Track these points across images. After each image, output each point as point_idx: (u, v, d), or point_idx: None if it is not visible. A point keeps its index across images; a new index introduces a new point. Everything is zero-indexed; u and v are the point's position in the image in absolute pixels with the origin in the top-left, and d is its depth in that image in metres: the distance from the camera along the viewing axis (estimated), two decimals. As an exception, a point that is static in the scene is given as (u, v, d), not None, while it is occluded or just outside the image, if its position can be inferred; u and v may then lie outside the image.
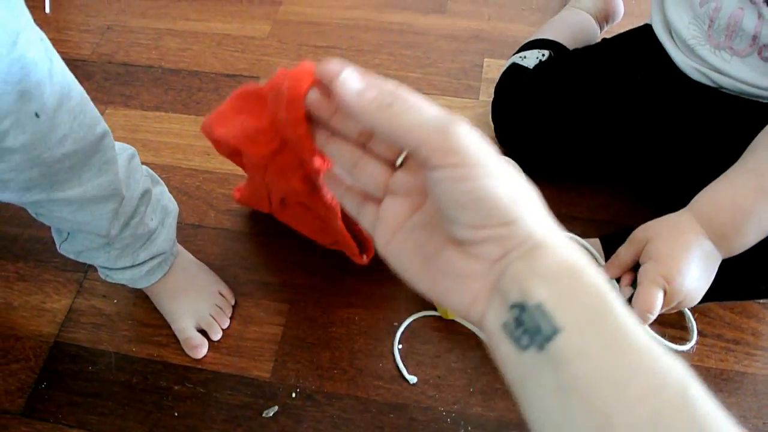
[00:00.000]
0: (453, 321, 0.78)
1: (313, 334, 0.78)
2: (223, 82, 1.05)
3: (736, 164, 0.63)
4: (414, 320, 0.79)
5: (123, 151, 0.67)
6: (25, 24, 0.49)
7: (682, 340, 0.77)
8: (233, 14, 1.15)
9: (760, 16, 0.69)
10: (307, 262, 0.84)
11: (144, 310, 0.80)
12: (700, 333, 0.77)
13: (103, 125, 0.59)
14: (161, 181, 0.76)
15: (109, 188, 0.61)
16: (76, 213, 0.60)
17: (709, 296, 0.65)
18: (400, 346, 0.77)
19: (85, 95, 0.57)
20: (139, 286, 0.76)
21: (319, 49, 1.08)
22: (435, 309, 0.78)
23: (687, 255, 0.60)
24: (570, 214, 0.86)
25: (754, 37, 0.70)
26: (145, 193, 0.68)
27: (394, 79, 1.01)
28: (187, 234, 0.87)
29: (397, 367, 0.75)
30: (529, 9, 1.13)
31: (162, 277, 0.75)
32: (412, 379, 0.74)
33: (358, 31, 1.10)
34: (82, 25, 1.16)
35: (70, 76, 0.55)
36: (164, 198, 0.74)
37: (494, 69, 1.02)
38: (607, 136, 0.82)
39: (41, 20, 1.17)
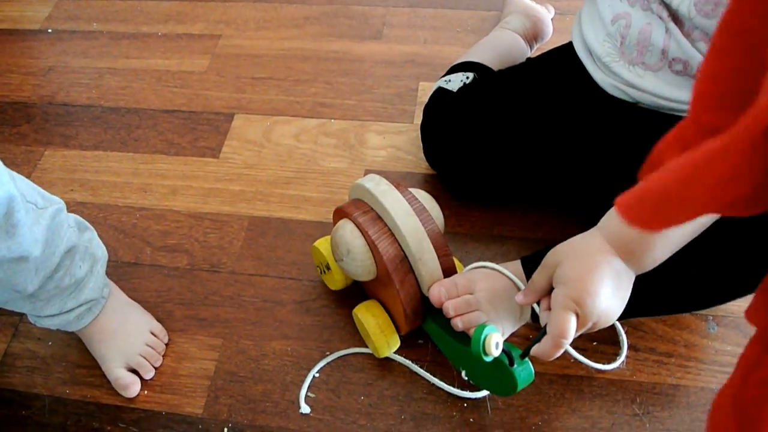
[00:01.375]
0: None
1: (245, 368, 0.78)
2: (161, 118, 1.06)
3: None
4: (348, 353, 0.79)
5: (49, 205, 0.67)
6: None
7: (615, 355, 0.77)
8: (173, 50, 1.16)
9: (667, 30, 0.71)
10: (241, 296, 0.84)
11: (78, 351, 0.80)
12: (632, 347, 0.78)
13: (7, 189, 0.58)
14: (90, 227, 0.76)
15: (18, 251, 0.61)
16: None
17: (639, 311, 0.65)
18: (317, 375, 0.77)
19: None
20: (69, 330, 0.76)
21: (257, 81, 1.09)
22: (367, 346, 0.79)
23: (596, 276, 0.60)
24: (502, 234, 0.87)
25: (664, 51, 0.72)
26: (70, 249, 0.68)
27: (331, 107, 1.03)
28: (123, 272, 0.87)
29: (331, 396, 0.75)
30: (464, 30, 1.14)
31: (92, 321, 0.75)
32: (305, 409, 0.74)
33: (295, 61, 1.11)
34: (24, 67, 1.17)
35: None
36: (93, 245, 0.74)
37: (428, 92, 1.03)
38: (532, 155, 0.83)
39: (-16, 64, 1.18)
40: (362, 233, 0.69)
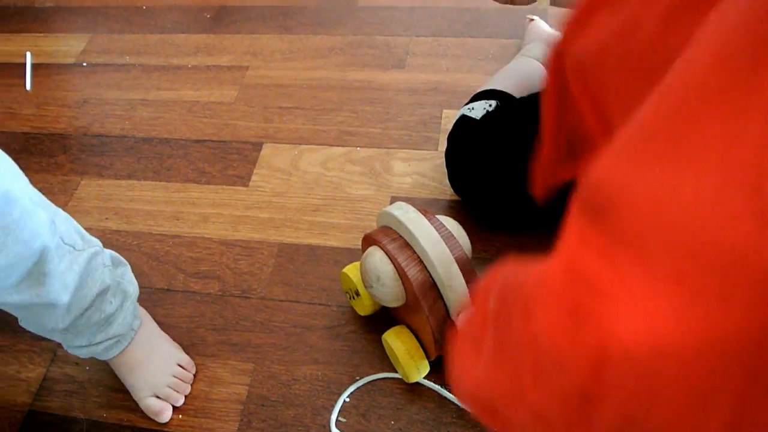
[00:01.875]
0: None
1: (277, 392, 0.80)
2: (192, 147, 1.09)
3: None
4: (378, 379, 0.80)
5: (86, 247, 0.69)
6: None
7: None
8: (203, 81, 1.20)
9: None
10: (272, 321, 0.86)
11: (114, 376, 0.82)
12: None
13: (43, 240, 0.61)
14: (125, 262, 0.78)
15: (47, 298, 0.63)
16: (18, 311, 0.63)
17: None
18: (347, 400, 0.79)
19: (31, 209, 0.59)
20: (99, 358, 0.78)
21: (284, 110, 1.12)
22: (396, 371, 0.80)
23: None
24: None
25: None
26: (103, 290, 0.71)
27: (356, 135, 1.06)
28: (157, 298, 0.90)
29: (361, 421, 0.77)
30: (486, 58, 1.17)
31: (120, 352, 0.77)
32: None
33: (321, 91, 1.14)
34: (60, 99, 1.21)
35: (14, 191, 0.57)
36: (125, 281, 0.76)
37: (452, 120, 1.05)
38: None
39: (22, 97, 1.23)
40: (391, 260, 0.71)
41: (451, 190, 0.95)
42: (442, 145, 1.03)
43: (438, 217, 0.75)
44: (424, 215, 0.73)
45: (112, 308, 0.73)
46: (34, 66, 1.28)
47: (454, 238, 0.72)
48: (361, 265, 0.75)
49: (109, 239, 0.97)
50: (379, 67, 1.17)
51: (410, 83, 1.14)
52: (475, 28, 1.22)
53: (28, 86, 1.25)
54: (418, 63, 1.17)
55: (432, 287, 0.70)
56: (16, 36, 1.37)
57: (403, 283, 0.71)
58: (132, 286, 0.77)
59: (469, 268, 0.71)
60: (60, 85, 1.25)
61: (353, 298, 0.83)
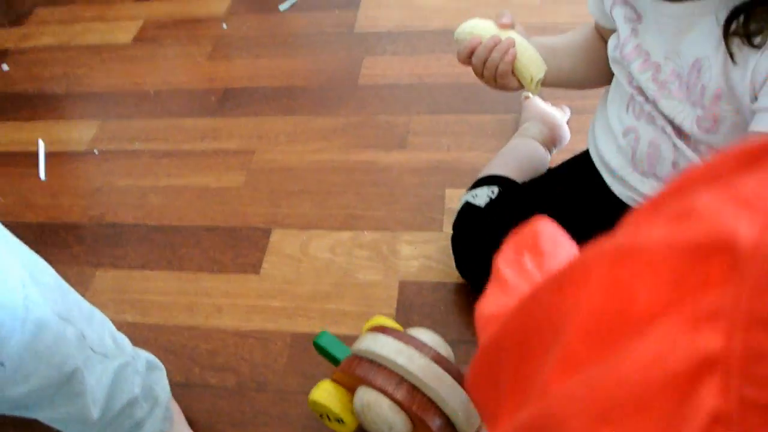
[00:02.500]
0: None
1: (296, 489, 0.82)
2: (203, 235, 1.12)
3: None
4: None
5: (118, 355, 0.71)
6: (9, 267, 0.55)
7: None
8: (211, 166, 1.23)
9: (674, 144, 0.75)
10: (288, 414, 0.88)
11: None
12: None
13: (73, 362, 0.63)
14: (160, 365, 0.80)
15: (78, 414, 0.66)
16: (52, 423, 0.65)
17: None
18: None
19: (61, 332, 0.61)
20: None
21: (291, 194, 1.15)
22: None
23: None
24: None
25: (674, 164, 0.76)
26: (132, 400, 0.73)
27: (362, 218, 1.09)
28: (175, 393, 0.91)
29: None
30: (485, 135, 1.21)
31: None
32: None
33: (326, 174, 1.18)
34: (74, 188, 1.25)
35: (47, 318, 0.59)
36: (158, 386, 0.78)
37: (455, 199, 1.08)
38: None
39: (36, 186, 1.27)
40: (403, 409, 0.71)
41: (458, 272, 0.98)
42: (447, 226, 1.06)
43: (418, 333, 0.76)
44: (416, 346, 0.73)
45: (142, 413, 0.75)
46: (46, 154, 1.32)
47: (452, 362, 0.74)
48: (362, 413, 0.74)
49: (126, 333, 0.99)
50: (382, 147, 1.21)
51: (412, 163, 1.17)
52: (473, 104, 1.26)
53: (42, 176, 1.29)
54: (420, 142, 1.21)
55: (448, 425, 0.72)
56: (28, 124, 1.42)
57: (418, 428, 0.73)
58: (164, 392, 0.79)
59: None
60: (73, 173, 1.29)
61: (333, 421, 0.81)
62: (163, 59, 1.51)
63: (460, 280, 0.99)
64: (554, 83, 0.94)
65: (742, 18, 0.61)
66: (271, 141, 1.26)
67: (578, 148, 0.95)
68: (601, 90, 0.90)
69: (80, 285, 1.08)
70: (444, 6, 1.52)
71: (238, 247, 1.09)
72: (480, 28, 0.83)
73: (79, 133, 1.37)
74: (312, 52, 1.45)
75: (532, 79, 0.82)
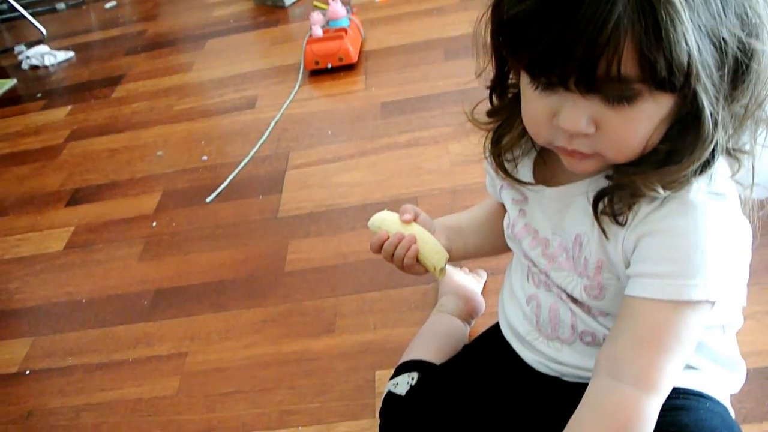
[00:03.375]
0: None
1: None
2: (139, 454, 1.10)
3: None
4: None
5: None
6: None
7: None
8: (144, 375, 1.24)
9: (570, 309, 0.80)
10: None
11: None
12: None
13: None
14: None
15: None
16: None
17: None
18: None
19: None
20: None
21: (225, 397, 1.16)
22: None
23: None
24: None
25: (573, 327, 0.81)
26: None
27: (297, 413, 1.09)
28: None
29: None
30: (409, 309, 1.25)
31: None
32: None
33: (258, 369, 1.19)
34: (4, 415, 1.23)
35: None
36: None
37: (384, 381, 1.10)
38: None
39: (-34, 417, 1.24)
40: None
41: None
42: (378, 411, 1.07)
43: None
44: None
45: None
46: (-23, 381, 1.31)
47: None
48: None
49: None
50: (311, 334, 1.24)
51: (342, 347, 1.20)
52: (395, 279, 1.31)
53: (-29, 405, 1.26)
54: (347, 324, 1.25)
55: None
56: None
57: None
58: None
59: None
60: (3, 398, 1.27)
61: None
62: (95, 264, 1.55)
63: (397, 468, 0.99)
64: (464, 258, 1.02)
65: (606, 200, 0.69)
66: (203, 341, 1.28)
67: (497, 311, 0.99)
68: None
69: None
70: (361, 181, 1.62)
71: (175, 462, 1.08)
72: (388, 223, 0.91)
73: (12, 353, 1.36)
74: (239, 242, 1.51)
75: (435, 268, 0.89)
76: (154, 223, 1.63)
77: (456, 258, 0.99)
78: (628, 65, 0.55)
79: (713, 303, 0.67)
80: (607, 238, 0.71)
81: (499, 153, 0.80)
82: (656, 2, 0.53)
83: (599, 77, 0.57)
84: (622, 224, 0.69)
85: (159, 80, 2.40)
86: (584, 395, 0.71)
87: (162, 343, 1.30)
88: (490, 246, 0.99)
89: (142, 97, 2.30)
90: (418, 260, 0.89)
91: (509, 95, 0.77)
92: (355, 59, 2.15)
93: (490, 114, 0.80)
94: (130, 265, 1.51)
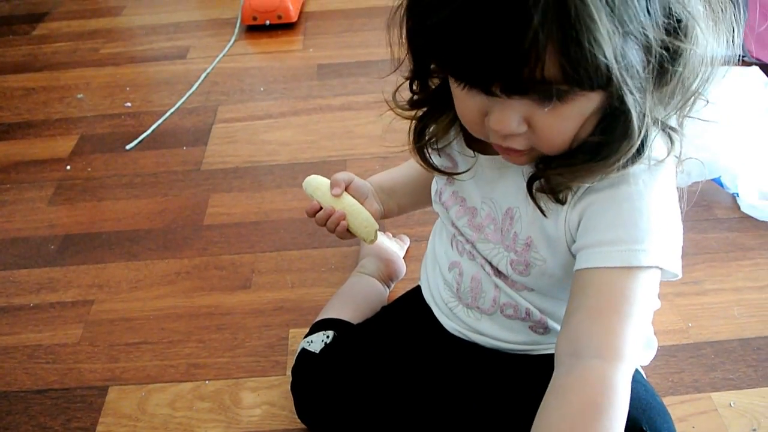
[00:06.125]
0: None
1: None
2: (33, 399, 1.05)
3: None
4: None
5: None
6: None
7: None
8: (45, 322, 1.18)
9: (494, 283, 0.81)
10: None
11: None
12: None
13: None
14: None
15: None
16: None
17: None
18: None
19: None
20: None
21: (130, 347, 1.12)
22: None
23: None
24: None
25: (494, 299, 0.82)
26: None
27: (204, 367, 1.06)
28: None
29: None
30: (329, 269, 1.24)
31: None
32: None
33: (168, 321, 1.16)
34: None
35: None
36: None
37: (299, 339, 1.08)
38: (399, 407, 0.89)
39: None
40: None
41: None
42: (290, 369, 1.06)
43: None
44: None
45: None
46: None
47: None
48: None
49: None
50: (226, 289, 1.21)
51: (256, 304, 1.18)
52: (317, 239, 1.29)
53: None
54: (264, 281, 1.22)
55: None
56: None
57: None
58: None
59: None
60: None
61: None
62: (1, 206, 1.46)
63: (304, 426, 0.98)
64: (397, 214, 1.02)
65: (543, 180, 0.67)
66: (111, 289, 1.23)
67: (418, 277, 0.99)
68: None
69: None
70: (290, 140, 1.59)
71: (71, 410, 1.03)
72: (319, 193, 0.93)
73: None
74: (158, 192, 1.45)
75: (364, 239, 0.91)
76: (69, 167, 1.55)
77: (390, 215, 0.99)
78: (551, 70, 0.53)
79: (662, 269, 0.66)
80: (545, 215, 0.70)
81: (422, 147, 0.77)
82: (572, 9, 0.50)
83: (524, 81, 0.55)
84: (562, 202, 0.68)
85: (86, 21, 2.28)
86: (549, 385, 0.65)
87: (67, 289, 1.24)
88: (423, 202, 0.98)
89: (65, 37, 2.18)
90: (348, 231, 0.91)
91: (431, 86, 0.73)
92: (294, 18, 2.10)
93: (412, 105, 0.76)
94: (38, 209, 1.43)
